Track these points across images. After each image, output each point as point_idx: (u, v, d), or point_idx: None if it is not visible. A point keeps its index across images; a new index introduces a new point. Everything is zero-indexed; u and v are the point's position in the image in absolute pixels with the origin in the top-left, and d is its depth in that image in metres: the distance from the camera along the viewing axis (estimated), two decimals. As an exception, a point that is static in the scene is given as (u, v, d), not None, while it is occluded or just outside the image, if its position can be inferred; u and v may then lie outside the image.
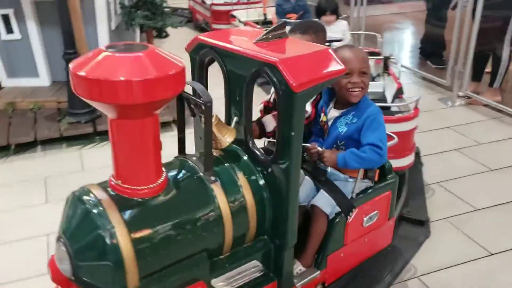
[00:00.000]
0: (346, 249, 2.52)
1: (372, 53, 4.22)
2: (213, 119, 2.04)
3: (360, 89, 2.32)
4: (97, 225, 1.73)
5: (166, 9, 5.30)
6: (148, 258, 1.78)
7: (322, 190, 2.36)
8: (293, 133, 1.92)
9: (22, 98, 4.88)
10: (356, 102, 2.37)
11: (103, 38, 4.96)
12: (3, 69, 5.03)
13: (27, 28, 4.84)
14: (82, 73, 1.58)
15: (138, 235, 1.76)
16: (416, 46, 7.13)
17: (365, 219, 2.53)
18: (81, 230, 1.78)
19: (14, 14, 4.76)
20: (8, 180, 3.92)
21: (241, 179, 2.10)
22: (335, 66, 1.98)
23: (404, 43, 8.09)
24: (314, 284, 2.43)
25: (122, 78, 1.55)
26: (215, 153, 2.17)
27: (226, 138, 2.12)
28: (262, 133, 2.51)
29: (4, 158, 4.25)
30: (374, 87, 3.92)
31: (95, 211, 1.76)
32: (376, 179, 2.55)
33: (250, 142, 2.19)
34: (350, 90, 2.32)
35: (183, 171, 2.06)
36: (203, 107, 1.88)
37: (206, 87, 2.29)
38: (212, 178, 2.01)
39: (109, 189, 1.86)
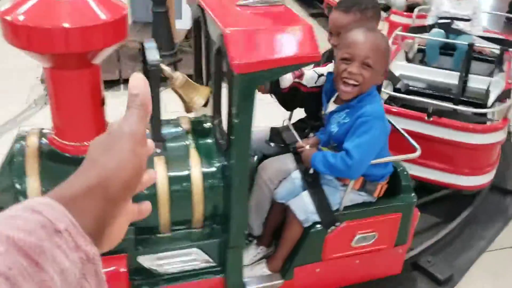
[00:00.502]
0: (325, 266, 2.14)
1: (495, 40, 3.46)
2: (179, 80, 1.84)
3: (356, 83, 1.87)
4: (11, 173, 1.69)
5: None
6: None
7: (304, 193, 2.01)
8: (236, 121, 1.64)
9: (105, 37, 4.98)
10: (346, 100, 1.93)
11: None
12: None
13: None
14: (8, 18, 1.45)
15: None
16: None
17: (355, 238, 2.13)
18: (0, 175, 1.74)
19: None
20: None
21: (194, 159, 1.87)
22: (308, 49, 1.60)
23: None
24: None
25: (50, 26, 1.42)
26: (185, 123, 1.96)
27: (196, 100, 1.87)
28: (276, 88, 2.15)
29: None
30: (477, 82, 3.25)
31: (15, 158, 1.70)
32: (380, 194, 2.10)
33: (217, 121, 1.93)
34: (344, 80, 1.87)
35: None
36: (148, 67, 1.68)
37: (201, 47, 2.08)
38: (158, 150, 1.80)
39: (45, 139, 1.77)
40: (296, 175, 2.07)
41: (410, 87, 3.31)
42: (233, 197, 1.78)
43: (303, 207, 1.98)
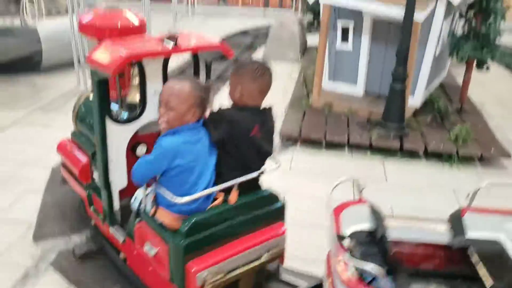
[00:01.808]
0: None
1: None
2: None
3: (164, 122, 2.25)
4: None
5: (498, 44, 4.98)
6: None
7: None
8: None
9: (339, 102, 5.42)
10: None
11: (427, 62, 5.04)
12: (327, 71, 5.66)
13: (360, 41, 5.34)
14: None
15: None
16: None
17: (146, 245, 2.32)
18: None
19: (353, 27, 5.31)
20: (320, 170, 4.41)
21: None
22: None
23: None
24: None
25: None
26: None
27: None
28: None
29: (317, 150, 4.82)
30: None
31: None
32: (172, 224, 2.24)
33: None
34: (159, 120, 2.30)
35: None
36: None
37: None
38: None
39: None
40: None
41: None
42: None
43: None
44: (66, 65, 6.25)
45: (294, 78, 6.66)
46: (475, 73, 5.33)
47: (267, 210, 2.38)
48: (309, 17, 8.18)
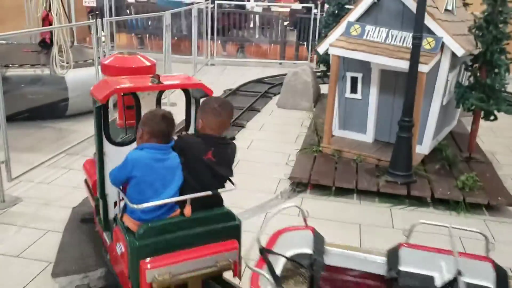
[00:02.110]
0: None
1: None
2: None
3: (138, 139, 2.77)
4: None
5: (503, 94, 5.14)
6: None
7: None
8: None
9: (349, 149, 5.59)
10: None
11: (434, 112, 5.22)
12: (337, 120, 5.89)
13: (369, 90, 5.56)
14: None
15: None
16: None
17: (117, 246, 2.76)
18: None
19: (362, 78, 5.56)
20: (328, 217, 4.55)
21: None
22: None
23: None
24: None
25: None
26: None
27: None
28: None
29: (326, 196, 4.97)
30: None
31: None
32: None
33: None
34: None
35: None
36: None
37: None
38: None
39: None
40: None
41: None
42: None
43: None
44: (90, 111, 6.56)
45: (306, 126, 6.88)
46: (488, 121, 5.46)
47: (222, 226, 2.76)
48: (322, 67, 8.48)
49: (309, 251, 2.61)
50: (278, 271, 2.38)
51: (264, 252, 2.35)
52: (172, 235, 2.61)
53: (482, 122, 5.58)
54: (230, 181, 2.87)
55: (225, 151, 2.81)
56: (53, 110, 6.63)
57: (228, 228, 2.77)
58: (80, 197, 4.50)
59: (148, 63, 3.72)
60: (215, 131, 2.77)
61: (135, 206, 2.56)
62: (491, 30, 4.96)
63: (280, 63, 12.14)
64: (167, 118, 2.74)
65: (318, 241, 2.62)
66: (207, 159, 2.72)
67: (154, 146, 2.67)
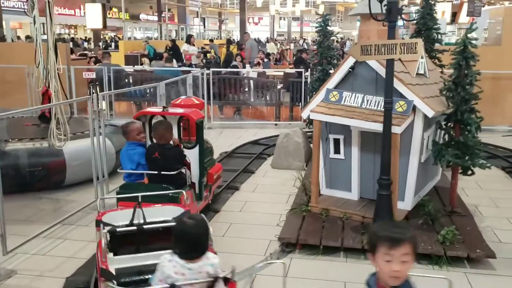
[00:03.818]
0: None
1: None
2: None
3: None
4: None
5: (478, 151, 5.39)
6: None
7: None
8: None
9: (335, 207, 5.79)
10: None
11: (413, 169, 5.44)
12: (324, 180, 6.12)
13: (351, 151, 5.83)
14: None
15: None
16: None
17: None
18: None
19: (343, 139, 5.84)
20: (315, 276, 4.71)
21: None
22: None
23: None
24: None
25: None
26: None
27: None
28: None
29: (314, 255, 5.11)
30: None
31: None
32: None
33: None
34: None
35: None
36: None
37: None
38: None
39: None
40: None
41: None
42: None
43: None
44: (87, 181, 6.87)
45: (298, 186, 7.10)
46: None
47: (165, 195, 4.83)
48: (312, 128, 8.78)
49: None
50: None
51: None
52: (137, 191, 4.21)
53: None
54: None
55: (168, 154, 5.23)
56: (51, 181, 6.90)
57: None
58: (74, 267, 4.68)
59: (197, 102, 6.56)
60: (160, 140, 5.30)
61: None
62: (460, 91, 5.28)
63: (276, 124, 12.48)
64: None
65: None
66: (155, 156, 5.23)
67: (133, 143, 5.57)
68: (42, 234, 5.49)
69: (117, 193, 5.09)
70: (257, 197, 6.99)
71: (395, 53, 4.77)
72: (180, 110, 5.75)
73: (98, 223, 3.79)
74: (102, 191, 6.36)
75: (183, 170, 5.44)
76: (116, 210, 4.25)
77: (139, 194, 3.98)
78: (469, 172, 5.50)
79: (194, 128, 5.85)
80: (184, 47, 17.86)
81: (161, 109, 5.67)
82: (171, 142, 5.36)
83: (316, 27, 8.27)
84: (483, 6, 23.41)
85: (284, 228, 5.52)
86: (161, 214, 4.01)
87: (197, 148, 5.77)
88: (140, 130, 5.58)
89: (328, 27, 8.02)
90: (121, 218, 3.88)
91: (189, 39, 18.75)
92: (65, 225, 5.84)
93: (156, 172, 5.14)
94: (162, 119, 5.73)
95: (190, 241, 2.76)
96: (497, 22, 11.79)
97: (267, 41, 32.21)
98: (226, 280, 2.86)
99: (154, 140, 5.45)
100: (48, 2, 6.60)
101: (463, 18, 25.77)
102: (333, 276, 4.69)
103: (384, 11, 4.77)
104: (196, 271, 2.76)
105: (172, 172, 5.10)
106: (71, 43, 27.07)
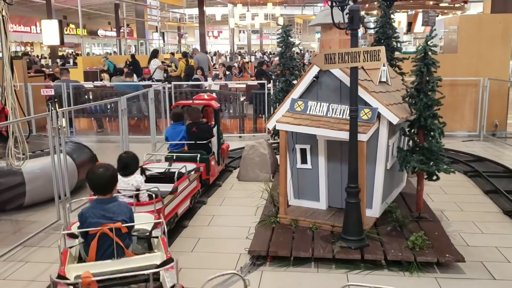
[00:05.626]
0: None
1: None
2: None
3: None
4: None
5: (441, 156, 5.48)
6: None
7: None
8: None
9: (304, 218, 5.76)
10: None
11: (379, 176, 5.48)
12: (292, 190, 6.10)
13: (318, 160, 5.83)
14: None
15: None
16: None
17: None
18: None
19: (310, 149, 5.84)
20: None
21: None
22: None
23: None
24: None
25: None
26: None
27: None
28: None
29: (285, 267, 5.05)
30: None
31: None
32: None
33: None
34: None
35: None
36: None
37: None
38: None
39: None
40: None
41: None
42: None
43: None
44: (48, 200, 6.64)
45: (265, 198, 7.05)
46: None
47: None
48: (277, 139, 8.78)
49: None
50: None
51: None
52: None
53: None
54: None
55: (201, 126, 7.76)
56: (10, 202, 6.64)
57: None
58: (37, 290, 4.48)
59: (207, 98, 8.46)
60: (194, 120, 7.87)
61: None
62: (422, 97, 5.37)
63: (240, 137, 12.44)
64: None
65: None
66: (193, 130, 7.69)
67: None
68: (2, 257, 5.26)
69: (166, 158, 7.30)
70: (225, 211, 6.90)
71: (359, 61, 4.81)
72: (202, 102, 8.27)
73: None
74: (64, 210, 6.14)
75: (212, 140, 7.83)
76: None
77: (175, 155, 7.15)
78: (434, 177, 5.58)
79: (212, 114, 8.57)
80: (154, 62, 17.60)
81: (191, 101, 8.30)
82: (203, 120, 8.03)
83: (277, 38, 8.31)
84: (437, 16, 24.23)
85: (254, 241, 5.44)
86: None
87: (215, 128, 8.15)
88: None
89: (290, 38, 8.06)
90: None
91: (156, 54, 18.56)
92: (27, 247, 5.60)
93: (193, 141, 7.63)
94: (192, 106, 8.14)
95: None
96: (452, 30, 12.13)
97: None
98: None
99: (190, 121, 7.88)
100: (3, 18, 6.39)
101: (419, 27, 26.55)
102: (305, 287, 4.64)
103: (346, 20, 4.81)
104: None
105: (204, 142, 7.57)
106: (27, 59, 26.40)
